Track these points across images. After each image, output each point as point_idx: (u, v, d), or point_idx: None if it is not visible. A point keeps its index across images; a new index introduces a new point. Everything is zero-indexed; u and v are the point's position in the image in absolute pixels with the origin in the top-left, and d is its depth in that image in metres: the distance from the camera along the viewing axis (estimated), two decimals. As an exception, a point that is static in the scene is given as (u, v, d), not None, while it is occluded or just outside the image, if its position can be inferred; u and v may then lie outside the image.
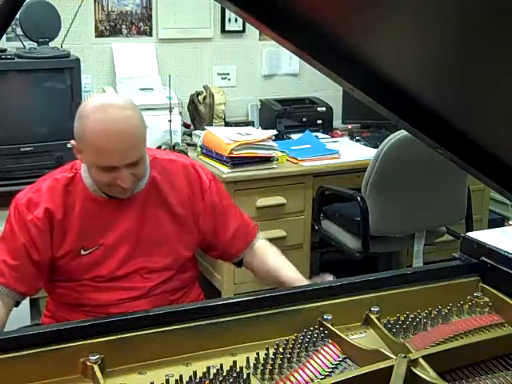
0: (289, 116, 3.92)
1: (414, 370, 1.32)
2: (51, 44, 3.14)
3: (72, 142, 1.85)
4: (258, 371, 1.37)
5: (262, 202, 3.34)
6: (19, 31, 3.17)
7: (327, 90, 4.03)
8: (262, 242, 2.08)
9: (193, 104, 3.76)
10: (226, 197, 2.08)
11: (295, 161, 3.47)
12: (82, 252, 1.88)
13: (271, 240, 3.38)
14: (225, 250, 2.05)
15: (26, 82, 3.08)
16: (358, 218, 3.18)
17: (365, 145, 3.80)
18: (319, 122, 3.97)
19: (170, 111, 3.43)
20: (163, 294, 1.93)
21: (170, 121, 3.40)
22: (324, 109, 3.97)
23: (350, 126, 4.09)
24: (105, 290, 1.90)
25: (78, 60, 3.07)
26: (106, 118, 1.75)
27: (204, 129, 3.58)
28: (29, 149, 3.00)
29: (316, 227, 3.48)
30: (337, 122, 4.06)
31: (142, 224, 1.91)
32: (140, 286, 1.91)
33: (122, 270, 1.90)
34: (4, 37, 3.09)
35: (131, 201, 1.89)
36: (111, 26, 3.69)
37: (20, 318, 2.72)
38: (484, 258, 1.67)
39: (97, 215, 1.88)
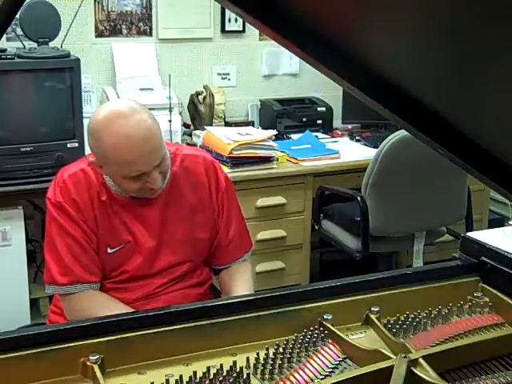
0: (289, 116, 3.92)
1: (414, 370, 1.32)
2: (51, 44, 3.13)
3: (90, 158, 1.85)
4: (258, 371, 1.37)
5: (262, 201, 3.34)
6: (19, 31, 3.17)
7: (327, 90, 4.03)
8: (242, 265, 2.06)
9: (193, 104, 3.76)
10: (235, 205, 2.07)
11: (295, 161, 3.47)
12: (109, 250, 1.89)
13: (271, 240, 3.43)
14: (212, 254, 2.04)
15: (26, 82, 3.07)
16: (358, 218, 3.18)
17: (365, 145, 3.80)
18: (319, 122, 3.97)
19: (170, 111, 3.42)
20: (180, 291, 1.94)
21: (170, 121, 3.40)
22: (324, 109, 3.97)
23: (350, 126, 4.09)
24: (124, 289, 1.90)
25: (78, 60, 3.07)
26: (120, 131, 1.74)
27: (204, 129, 3.58)
28: (29, 149, 2.99)
29: (316, 227, 3.48)
30: (337, 122, 4.06)
31: (165, 222, 1.92)
32: (159, 283, 1.92)
33: (147, 269, 1.91)
34: (4, 37, 3.09)
35: (154, 199, 1.90)
36: (111, 26, 3.69)
37: (20, 318, 2.73)
38: (484, 258, 1.67)
39: (121, 213, 1.89)
